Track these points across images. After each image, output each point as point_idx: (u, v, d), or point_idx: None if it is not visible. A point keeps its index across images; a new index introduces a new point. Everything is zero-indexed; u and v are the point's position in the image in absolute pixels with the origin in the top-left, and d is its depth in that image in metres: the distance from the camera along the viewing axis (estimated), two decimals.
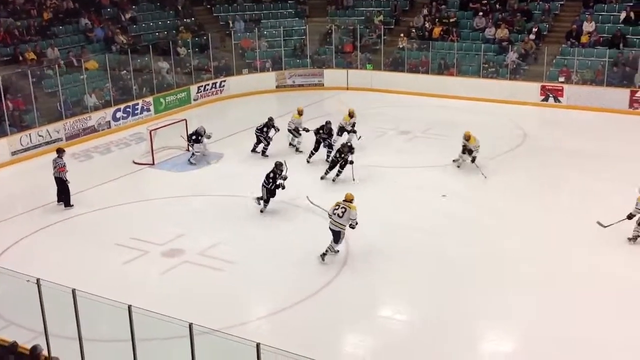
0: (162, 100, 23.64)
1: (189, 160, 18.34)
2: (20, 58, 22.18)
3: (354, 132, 18.79)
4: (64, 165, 15.42)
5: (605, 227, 13.02)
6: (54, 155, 15.71)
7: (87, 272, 12.36)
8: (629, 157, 17.72)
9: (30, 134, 19.39)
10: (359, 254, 12.92)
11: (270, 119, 18.61)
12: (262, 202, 14.96)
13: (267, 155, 18.34)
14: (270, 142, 18.58)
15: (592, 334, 10.15)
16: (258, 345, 7.88)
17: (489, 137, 19.30)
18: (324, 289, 11.75)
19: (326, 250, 12.56)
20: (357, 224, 12.43)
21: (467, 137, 17.00)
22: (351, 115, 18.97)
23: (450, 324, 10.60)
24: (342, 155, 16.48)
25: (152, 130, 18.64)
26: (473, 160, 16.91)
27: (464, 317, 10.77)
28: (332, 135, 18.18)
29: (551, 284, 11.66)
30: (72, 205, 15.41)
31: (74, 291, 8.62)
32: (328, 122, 18.16)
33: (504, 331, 10.60)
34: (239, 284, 12.05)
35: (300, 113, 19.04)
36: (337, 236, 12.49)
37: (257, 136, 18.61)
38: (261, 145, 18.63)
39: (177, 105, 24.04)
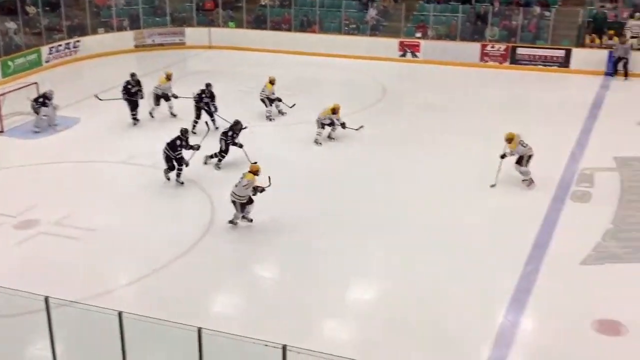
0: (10, 63, 22.21)
1: (34, 126, 17.41)
2: None
3: (279, 100, 18.35)
4: None
5: (493, 185, 13.61)
6: None
7: None
8: (480, 109, 18.70)
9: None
10: (224, 214, 12.90)
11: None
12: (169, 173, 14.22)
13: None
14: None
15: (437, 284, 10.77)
16: (120, 313, 7.79)
17: (352, 93, 19.81)
18: (189, 252, 11.67)
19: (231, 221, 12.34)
20: (257, 191, 12.05)
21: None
22: (272, 82, 18.41)
23: (319, 279, 10.87)
24: (231, 135, 14.96)
25: (0, 95, 17.51)
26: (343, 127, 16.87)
27: (329, 270, 11.07)
28: (214, 99, 17.22)
29: (408, 229, 12.23)
30: None
31: None
32: (209, 85, 17.22)
33: (364, 281, 11.01)
34: (99, 252, 11.70)
35: (168, 78, 17.97)
36: (235, 206, 12.19)
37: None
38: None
39: (27, 68, 22.70)
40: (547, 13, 23.23)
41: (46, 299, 8.09)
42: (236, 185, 12.10)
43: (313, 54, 24.51)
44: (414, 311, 9.83)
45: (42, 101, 17.32)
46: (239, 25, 26.65)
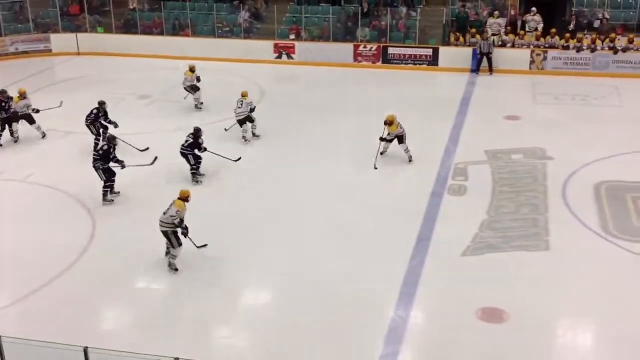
0: None
1: None
2: None
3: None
4: None
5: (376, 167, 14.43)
6: None
7: None
8: (356, 107, 19.20)
9: None
10: (105, 225, 12.53)
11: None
12: None
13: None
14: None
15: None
16: None
17: (227, 96, 19.62)
18: (71, 267, 11.24)
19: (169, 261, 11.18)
20: (179, 222, 10.80)
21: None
22: (192, 70, 18.58)
23: (201, 285, 10.79)
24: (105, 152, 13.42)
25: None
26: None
27: (224, 274, 11.03)
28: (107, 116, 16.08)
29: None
30: None
31: None
32: (102, 103, 16.01)
33: (253, 284, 11.05)
34: None
35: (22, 96, 16.52)
36: (166, 237, 10.98)
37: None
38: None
39: None
40: (413, 13, 24.17)
41: None
42: (164, 213, 10.93)
43: (187, 57, 24.07)
44: (304, 312, 9.98)
45: None
46: (108, 30, 25.84)
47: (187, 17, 25.39)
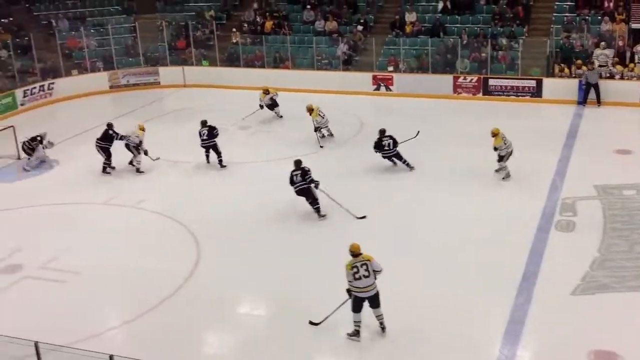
0: None
1: (24, 167, 17.41)
2: None
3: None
4: None
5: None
6: None
7: None
8: (456, 139, 18.96)
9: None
10: (210, 251, 12.84)
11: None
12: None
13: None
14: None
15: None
16: (111, 357, 7.68)
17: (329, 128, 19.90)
18: (179, 290, 11.55)
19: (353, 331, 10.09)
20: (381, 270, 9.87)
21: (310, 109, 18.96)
22: (266, 92, 20.66)
23: (305, 313, 10.80)
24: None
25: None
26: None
27: (314, 304, 11.00)
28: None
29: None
30: None
31: None
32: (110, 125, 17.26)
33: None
34: (87, 294, 11.54)
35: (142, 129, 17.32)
36: (378, 299, 9.94)
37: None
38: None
39: (3, 111, 22.47)
40: (514, 44, 23.77)
41: (36, 344, 7.97)
42: (367, 276, 9.71)
43: (286, 89, 24.58)
44: (408, 344, 9.80)
45: (37, 142, 17.38)
46: (212, 63, 26.78)
47: (288, 50, 25.96)
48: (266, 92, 21.29)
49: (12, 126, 18.43)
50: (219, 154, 17.28)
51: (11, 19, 26.52)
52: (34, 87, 23.97)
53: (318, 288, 11.36)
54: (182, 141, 18.92)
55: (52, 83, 24.60)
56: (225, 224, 14.01)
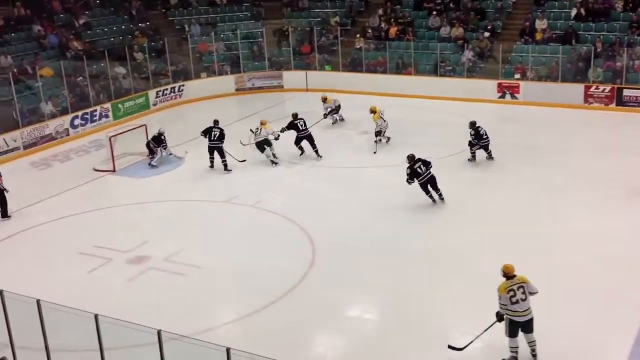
0: (120, 106, 23.36)
1: (150, 163, 18.31)
2: None
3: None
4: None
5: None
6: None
7: (51, 282, 12.17)
8: (588, 151, 18.12)
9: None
10: (325, 254, 12.96)
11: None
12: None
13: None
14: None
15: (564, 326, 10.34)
16: (228, 350, 7.87)
17: (449, 135, 19.60)
18: (291, 292, 11.74)
19: None
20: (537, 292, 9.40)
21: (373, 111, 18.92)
22: (325, 100, 20.58)
23: (419, 322, 10.67)
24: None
25: (112, 136, 18.41)
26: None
27: (432, 314, 10.86)
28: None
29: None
30: (10, 217, 15.20)
31: (38, 302, 8.49)
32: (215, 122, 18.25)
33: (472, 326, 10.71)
34: (206, 289, 11.98)
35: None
36: (532, 324, 9.36)
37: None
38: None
39: (136, 110, 23.79)
40: None
41: (159, 333, 8.29)
42: (524, 299, 9.24)
43: (408, 95, 24.52)
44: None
45: (161, 140, 18.41)
46: (335, 68, 27.06)
47: (411, 56, 25.80)
48: (325, 99, 21.21)
49: (144, 125, 19.45)
50: (224, 156, 17.62)
51: (148, 23, 28.04)
52: (166, 89, 25.21)
53: (435, 300, 11.22)
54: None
55: (182, 85, 25.76)
56: (341, 226, 14.11)
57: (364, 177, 17.06)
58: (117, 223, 14.95)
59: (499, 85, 23.93)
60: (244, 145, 18.55)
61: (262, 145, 17.96)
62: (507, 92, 23.82)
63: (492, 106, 23.46)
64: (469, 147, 17.49)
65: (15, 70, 21.93)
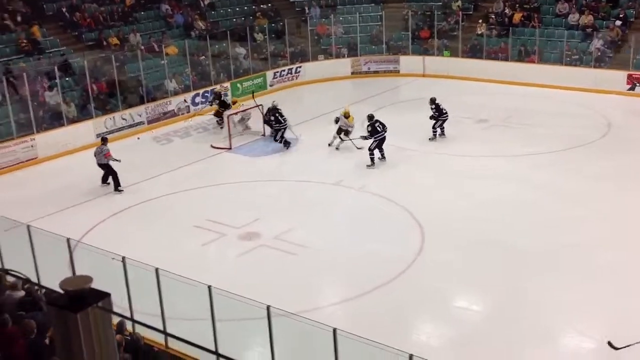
0: (238, 85, 23.94)
1: (275, 138, 18.71)
2: (105, 43, 22.83)
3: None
4: (109, 151, 15.77)
5: None
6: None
7: (167, 252, 12.68)
8: None
9: (114, 117, 20.00)
10: (433, 242, 12.79)
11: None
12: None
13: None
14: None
15: None
16: (334, 330, 7.91)
17: (572, 127, 18.82)
18: (399, 277, 11.67)
19: None
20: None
21: (347, 115, 18.04)
22: (347, 116, 18.30)
23: (526, 317, 10.36)
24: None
25: (230, 115, 18.89)
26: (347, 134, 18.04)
27: (540, 309, 10.50)
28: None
29: (630, 273, 11.24)
30: (122, 190, 15.78)
31: (157, 270, 8.85)
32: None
33: (583, 325, 10.28)
34: (313, 269, 12.12)
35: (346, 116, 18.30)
36: None
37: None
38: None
39: (254, 90, 24.23)
40: None
41: (268, 308, 8.44)
42: None
43: (530, 84, 23.65)
44: None
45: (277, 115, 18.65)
46: (454, 54, 26.48)
47: (535, 43, 24.84)
48: (347, 115, 18.36)
49: (260, 105, 19.83)
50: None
51: (270, 4, 28.48)
52: (283, 70, 25.60)
53: (544, 297, 10.85)
54: (412, 129, 18.98)
55: (300, 67, 26.05)
56: (452, 216, 13.85)
57: (479, 166, 16.64)
58: (231, 199, 15.37)
59: (629, 76, 22.63)
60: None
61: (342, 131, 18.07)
62: (638, 84, 22.48)
63: (620, 98, 22.24)
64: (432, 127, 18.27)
65: (142, 47, 22.92)
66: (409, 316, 10.69)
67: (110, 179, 15.91)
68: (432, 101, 18.45)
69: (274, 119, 18.36)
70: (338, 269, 12.18)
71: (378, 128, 16.73)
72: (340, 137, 18.07)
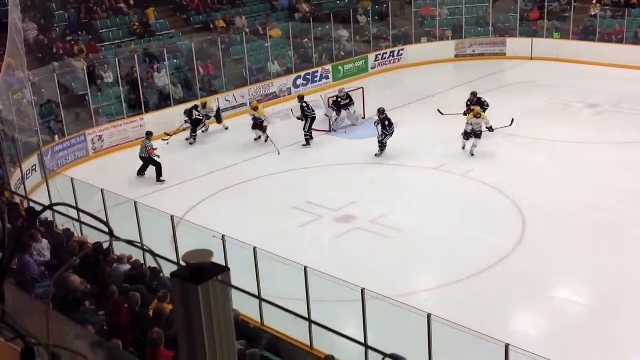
0: (340, 68, 23.98)
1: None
2: (211, 26, 23.41)
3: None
4: (152, 147, 15.89)
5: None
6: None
7: (264, 232, 12.92)
8: None
9: (217, 98, 20.51)
10: (535, 231, 12.39)
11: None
12: None
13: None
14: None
15: None
16: (429, 315, 7.84)
17: None
18: (497, 264, 11.40)
19: None
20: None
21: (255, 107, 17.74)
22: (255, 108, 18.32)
23: (633, 312, 9.89)
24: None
25: (330, 97, 18.96)
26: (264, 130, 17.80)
27: None
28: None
29: None
30: (164, 181, 15.79)
31: (254, 249, 9.05)
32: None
33: None
34: (409, 253, 12.04)
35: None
36: None
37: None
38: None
39: (355, 73, 24.27)
40: None
41: (362, 291, 8.47)
42: None
43: None
44: None
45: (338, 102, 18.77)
46: (564, 36, 25.41)
47: None
48: (254, 108, 18.25)
49: (361, 87, 19.77)
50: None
51: None
52: (385, 52, 25.39)
53: None
54: (517, 115, 18.36)
55: (402, 49, 25.76)
56: (556, 204, 13.35)
57: (587, 153, 15.95)
58: (329, 182, 15.46)
59: None
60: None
61: None
62: None
63: None
64: None
65: (247, 30, 23.33)
66: (507, 305, 10.44)
67: (146, 171, 16.08)
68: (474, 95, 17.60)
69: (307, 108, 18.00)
70: (434, 254, 12.04)
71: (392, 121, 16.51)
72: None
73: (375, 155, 16.44)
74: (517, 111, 17.92)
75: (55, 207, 2.15)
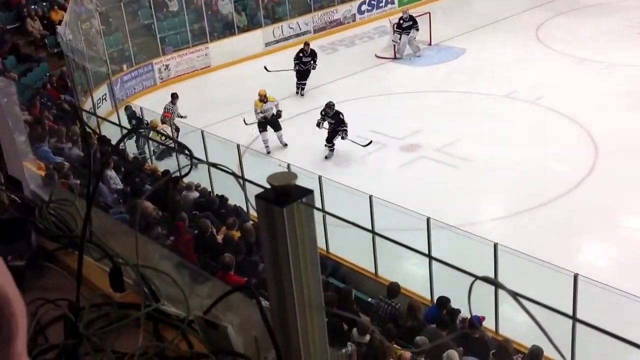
0: None
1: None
2: None
3: None
4: (169, 111, 14.19)
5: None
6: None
7: (329, 161, 12.97)
8: None
9: (282, 26, 20.34)
10: (608, 160, 12.03)
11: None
12: None
13: None
14: None
15: None
16: (495, 245, 7.83)
17: None
18: (566, 195, 11.18)
19: None
20: None
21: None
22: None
23: None
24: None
25: (395, 23, 18.55)
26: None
27: None
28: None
29: None
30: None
31: (320, 178, 9.12)
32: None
33: None
34: (476, 182, 11.87)
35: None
36: None
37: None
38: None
39: None
40: None
41: (428, 220, 8.48)
42: None
43: None
44: None
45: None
46: None
47: None
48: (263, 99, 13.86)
49: (428, 12, 19.23)
50: None
51: None
52: None
53: None
54: (596, 39, 17.60)
55: None
56: (632, 133, 12.80)
57: None
58: (394, 110, 15.23)
59: None
60: None
61: None
62: None
63: None
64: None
65: None
66: (576, 236, 10.26)
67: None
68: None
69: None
70: (501, 184, 11.85)
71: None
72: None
73: (326, 157, 13.34)
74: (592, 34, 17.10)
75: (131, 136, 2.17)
